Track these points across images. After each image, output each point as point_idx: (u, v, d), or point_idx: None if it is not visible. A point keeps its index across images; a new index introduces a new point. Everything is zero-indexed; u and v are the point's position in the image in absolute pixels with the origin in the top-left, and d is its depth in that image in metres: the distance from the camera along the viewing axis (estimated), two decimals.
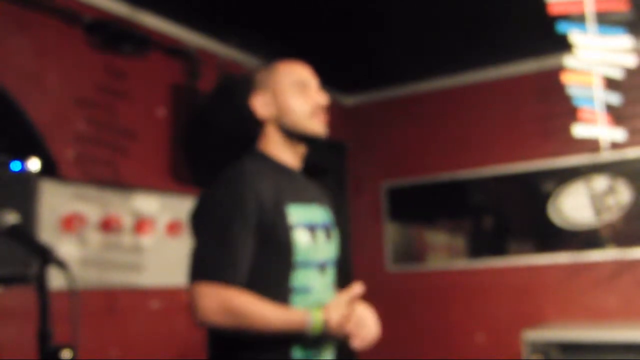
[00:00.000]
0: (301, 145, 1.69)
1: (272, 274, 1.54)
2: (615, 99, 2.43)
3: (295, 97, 1.66)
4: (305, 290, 1.56)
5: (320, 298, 1.58)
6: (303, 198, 1.64)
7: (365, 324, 1.56)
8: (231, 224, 1.51)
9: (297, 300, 1.54)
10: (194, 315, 1.48)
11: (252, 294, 1.49)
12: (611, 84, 2.46)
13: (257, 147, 1.71)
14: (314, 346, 1.55)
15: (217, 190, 1.58)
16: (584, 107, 2.45)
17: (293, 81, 1.67)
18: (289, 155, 1.69)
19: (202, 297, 1.46)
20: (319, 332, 1.47)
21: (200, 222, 1.58)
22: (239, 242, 1.50)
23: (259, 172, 1.59)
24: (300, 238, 1.56)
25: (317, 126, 1.66)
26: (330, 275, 1.67)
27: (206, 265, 1.50)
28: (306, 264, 1.57)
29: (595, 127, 2.44)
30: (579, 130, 2.50)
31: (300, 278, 1.56)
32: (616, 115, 2.48)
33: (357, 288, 1.53)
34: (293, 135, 1.67)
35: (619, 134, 2.47)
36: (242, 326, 1.46)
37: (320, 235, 1.63)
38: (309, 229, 1.60)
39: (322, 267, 1.62)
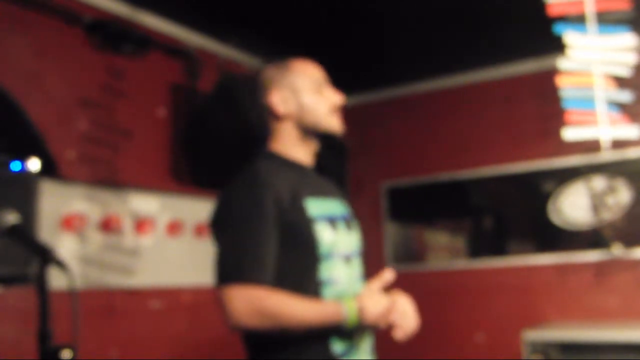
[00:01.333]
0: (314, 143, 1.72)
1: (299, 268, 1.55)
2: (625, 96, 2.42)
3: (315, 96, 1.69)
4: (332, 282, 1.56)
5: (348, 289, 1.59)
6: (319, 192, 1.66)
7: (407, 315, 1.56)
8: (252, 225, 1.52)
9: (326, 293, 1.55)
10: (227, 320, 1.47)
11: (282, 292, 1.49)
12: (618, 82, 2.45)
13: (268, 147, 1.72)
14: (352, 339, 1.55)
15: (234, 193, 1.59)
16: (580, 109, 2.45)
17: (312, 80, 1.70)
18: (302, 153, 1.70)
19: (233, 301, 1.46)
20: (356, 322, 1.47)
21: (220, 227, 1.59)
22: (261, 242, 1.51)
23: (274, 171, 1.61)
24: (322, 230, 1.57)
25: (336, 124, 1.70)
26: (356, 266, 1.68)
27: (232, 268, 1.50)
28: (331, 256, 1.57)
29: (592, 128, 2.43)
30: (569, 134, 2.50)
31: (327, 270, 1.56)
32: (629, 113, 2.47)
33: (388, 275, 1.55)
34: (311, 132, 1.69)
35: (633, 132, 2.45)
36: (277, 325, 1.46)
37: (341, 227, 1.65)
38: (329, 221, 1.61)
39: (347, 258, 1.63)
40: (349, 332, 1.51)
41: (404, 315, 1.54)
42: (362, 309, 1.46)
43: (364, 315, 1.46)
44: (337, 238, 1.60)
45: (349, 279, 1.61)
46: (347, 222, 1.70)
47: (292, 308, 1.46)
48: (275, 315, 1.45)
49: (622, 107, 2.45)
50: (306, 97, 1.68)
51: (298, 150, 1.70)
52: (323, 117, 1.68)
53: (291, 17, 3.30)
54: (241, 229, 1.52)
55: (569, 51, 2.43)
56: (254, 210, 1.53)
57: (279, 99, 1.68)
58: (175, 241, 3.23)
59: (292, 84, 1.69)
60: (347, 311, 1.46)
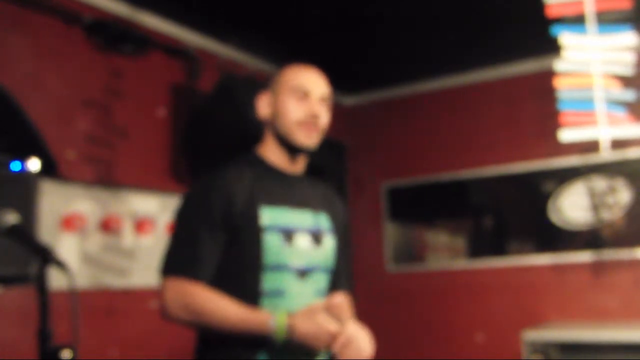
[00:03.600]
0: (297, 152, 1.66)
1: (241, 275, 1.54)
2: (629, 95, 2.42)
3: (290, 102, 1.63)
4: (277, 294, 1.54)
5: (299, 304, 1.54)
6: (286, 201, 1.62)
7: (353, 344, 1.46)
8: (196, 224, 1.54)
9: (267, 304, 1.52)
10: (160, 310, 1.51)
11: (216, 292, 1.50)
12: (621, 81, 2.44)
13: (254, 149, 1.71)
14: (284, 350, 1.49)
15: (190, 192, 1.63)
16: (578, 110, 2.44)
17: (294, 86, 1.64)
18: (282, 159, 1.67)
19: (166, 292, 1.50)
20: (283, 338, 1.42)
21: (174, 222, 1.62)
22: (203, 240, 1.53)
23: (238, 175, 1.60)
24: (271, 240, 1.54)
25: (302, 137, 1.62)
26: (315, 283, 1.63)
27: (171, 261, 1.54)
28: (278, 268, 1.55)
29: (591, 129, 2.43)
30: (566, 135, 2.50)
31: (271, 281, 1.54)
32: (632, 112, 2.46)
33: (337, 298, 1.49)
34: (282, 140, 1.65)
35: (634, 131, 2.45)
36: (201, 322, 1.48)
37: (302, 240, 1.60)
38: (284, 232, 1.57)
39: (302, 272, 1.59)
40: (278, 346, 1.45)
41: (349, 344, 1.46)
42: (292, 325, 1.42)
43: (293, 333, 1.41)
44: (289, 250, 1.57)
45: (301, 294, 1.57)
46: (316, 236, 1.64)
47: (218, 308, 1.46)
48: (200, 312, 1.46)
49: (627, 106, 2.45)
50: (281, 103, 1.64)
51: (280, 156, 1.66)
52: (289, 126, 1.61)
53: (291, 18, 3.30)
54: (185, 227, 1.56)
55: (566, 53, 2.43)
56: (200, 211, 1.55)
57: (263, 102, 1.68)
58: None
59: (275, 88, 1.67)
60: (276, 325, 1.42)
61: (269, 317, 1.43)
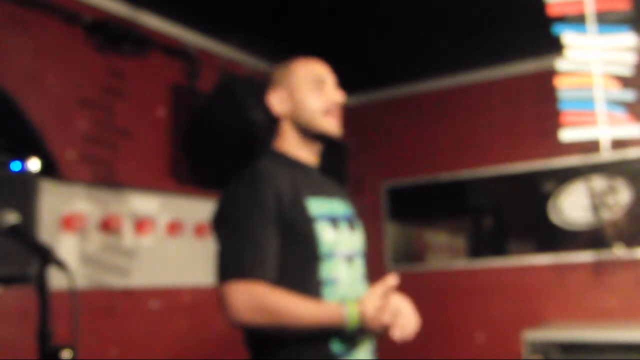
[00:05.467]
0: (317, 143, 1.70)
1: (300, 267, 1.54)
2: (628, 96, 2.42)
3: (310, 94, 1.66)
4: (333, 282, 1.55)
5: (349, 290, 1.57)
6: (322, 192, 1.65)
7: (402, 314, 1.49)
8: (252, 221, 1.51)
9: (327, 292, 1.54)
10: (227, 316, 1.46)
11: (283, 290, 1.47)
12: (621, 82, 2.45)
13: (272, 146, 1.72)
14: (353, 339, 1.53)
15: (236, 190, 1.58)
16: (579, 110, 2.45)
17: (309, 77, 1.67)
18: (305, 152, 1.69)
19: (234, 296, 1.44)
20: (357, 325, 1.44)
21: (222, 224, 1.58)
22: (262, 238, 1.50)
23: (276, 169, 1.60)
24: (323, 230, 1.56)
25: (330, 125, 1.66)
26: (358, 267, 1.67)
27: (234, 264, 1.48)
28: (331, 256, 1.57)
29: (591, 129, 2.43)
30: (566, 135, 2.50)
31: (327, 270, 1.55)
32: (632, 112, 2.46)
33: (392, 280, 1.49)
34: (307, 132, 1.67)
35: (634, 131, 2.45)
36: (277, 323, 1.44)
37: (344, 227, 1.64)
38: (331, 220, 1.60)
39: (349, 258, 1.62)
40: (350, 333, 1.49)
41: (398, 314, 1.48)
42: (364, 313, 1.43)
43: (365, 320, 1.43)
44: (338, 238, 1.60)
45: (350, 279, 1.60)
46: (350, 223, 1.69)
47: (293, 306, 1.44)
48: (276, 313, 1.43)
49: (626, 106, 2.45)
50: (300, 96, 1.66)
51: (301, 150, 1.69)
52: (315, 116, 1.65)
53: (291, 17, 3.30)
54: (242, 226, 1.51)
55: (567, 52, 2.43)
56: (255, 207, 1.52)
57: (276, 99, 1.69)
58: (175, 241, 3.23)
59: (289, 83, 1.68)
60: (349, 314, 1.43)
61: (343, 309, 1.44)
